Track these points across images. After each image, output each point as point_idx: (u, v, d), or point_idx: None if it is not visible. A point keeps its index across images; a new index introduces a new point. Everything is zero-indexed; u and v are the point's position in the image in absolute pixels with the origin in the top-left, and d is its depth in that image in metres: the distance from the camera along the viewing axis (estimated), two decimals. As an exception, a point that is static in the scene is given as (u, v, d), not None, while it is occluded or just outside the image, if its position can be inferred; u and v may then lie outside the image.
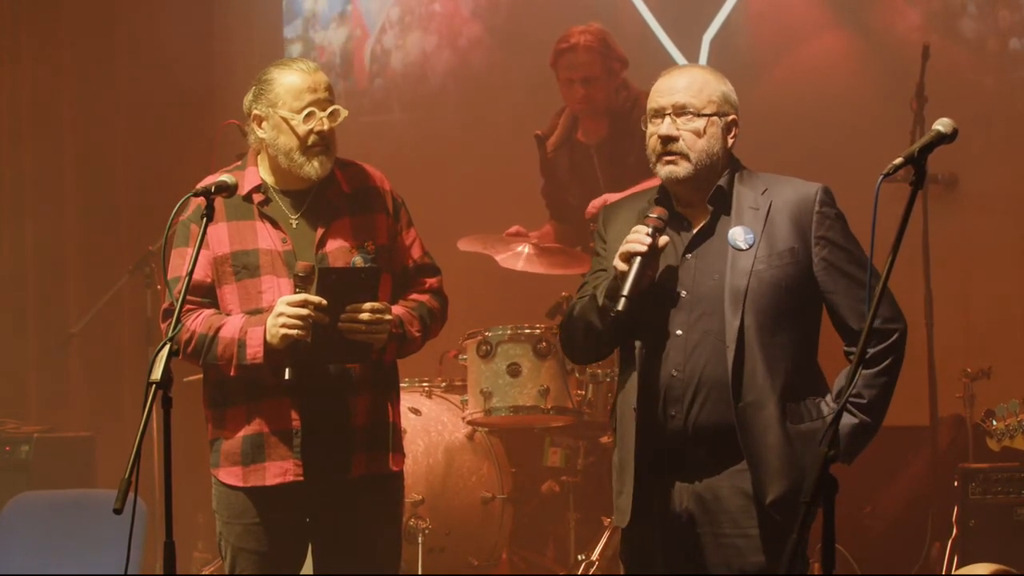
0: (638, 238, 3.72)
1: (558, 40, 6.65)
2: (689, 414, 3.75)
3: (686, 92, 3.82)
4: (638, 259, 3.72)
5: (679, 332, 3.78)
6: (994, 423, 5.36)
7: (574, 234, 6.77)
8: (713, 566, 3.78)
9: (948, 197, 6.96)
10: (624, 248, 3.74)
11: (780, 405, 3.70)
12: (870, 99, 7.17)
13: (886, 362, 3.71)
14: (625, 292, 3.70)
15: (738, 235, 3.77)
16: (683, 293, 3.79)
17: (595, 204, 6.34)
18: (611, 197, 6.09)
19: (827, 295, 3.76)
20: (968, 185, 7.01)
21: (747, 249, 3.75)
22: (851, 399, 3.69)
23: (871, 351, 3.69)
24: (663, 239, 3.76)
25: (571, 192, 6.80)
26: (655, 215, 3.78)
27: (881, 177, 3.14)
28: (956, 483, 5.75)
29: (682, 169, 3.80)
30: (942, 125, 3.24)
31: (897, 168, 3.16)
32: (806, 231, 3.76)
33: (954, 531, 5.73)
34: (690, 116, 3.80)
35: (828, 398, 3.77)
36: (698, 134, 3.79)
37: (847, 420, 3.69)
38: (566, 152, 6.78)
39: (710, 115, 3.80)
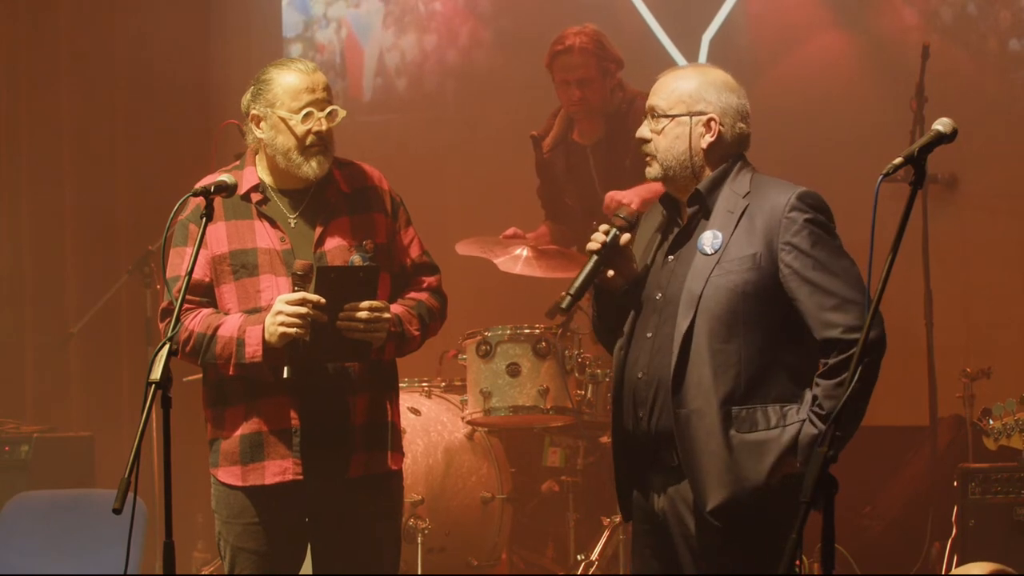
0: (595, 236, 3.81)
1: (553, 42, 6.63)
2: (651, 417, 3.77)
3: (657, 93, 3.86)
4: (593, 257, 3.79)
5: (649, 334, 3.81)
6: (991, 422, 5.35)
7: (570, 234, 6.76)
8: (687, 565, 3.78)
9: (948, 197, 6.94)
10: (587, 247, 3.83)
11: (724, 412, 3.67)
12: (870, 99, 7.17)
13: (846, 373, 3.55)
14: (571, 290, 3.79)
15: (706, 239, 3.76)
16: (658, 295, 3.82)
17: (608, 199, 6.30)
18: (633, 192, 6.11)
19: (793, 303, 3.69)
20: (968, 185, 7.00)
21: (711, 254, 3.74)
22: (813, 409, 3.65)
23: (832, 361, 3.63)
24: (624, 237, 3.81)
25: (567, 192, 6.79)
26: (623, 215, 3.84)
27: (881, 177, 3.13)
28: (956, 483, 5.72)
29: (653, 170, 3.86)
30: (942, 125, 3.23)
31: (897, 168, 3.15)
32: (773, 237, 3.70)
33: (954, 531, 5.70)
34: (657, 117, 3.83)
35: (801, 405, 3.70)
36: (659, 134, 3.82)
37: (808, 430, 3.64)
38: (562, 153, 6.77)
39: (676, 115, 3.80)
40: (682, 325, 3.70)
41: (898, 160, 3.16)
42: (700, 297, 3.70)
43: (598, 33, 6.58)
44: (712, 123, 3.80)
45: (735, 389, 3.68)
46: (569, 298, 3.77)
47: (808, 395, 3.70)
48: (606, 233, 3.81)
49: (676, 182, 3.85)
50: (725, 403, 3.67)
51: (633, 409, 3.81)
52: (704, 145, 3.81)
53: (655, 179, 3.87)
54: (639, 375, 3.79)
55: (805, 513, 3.02)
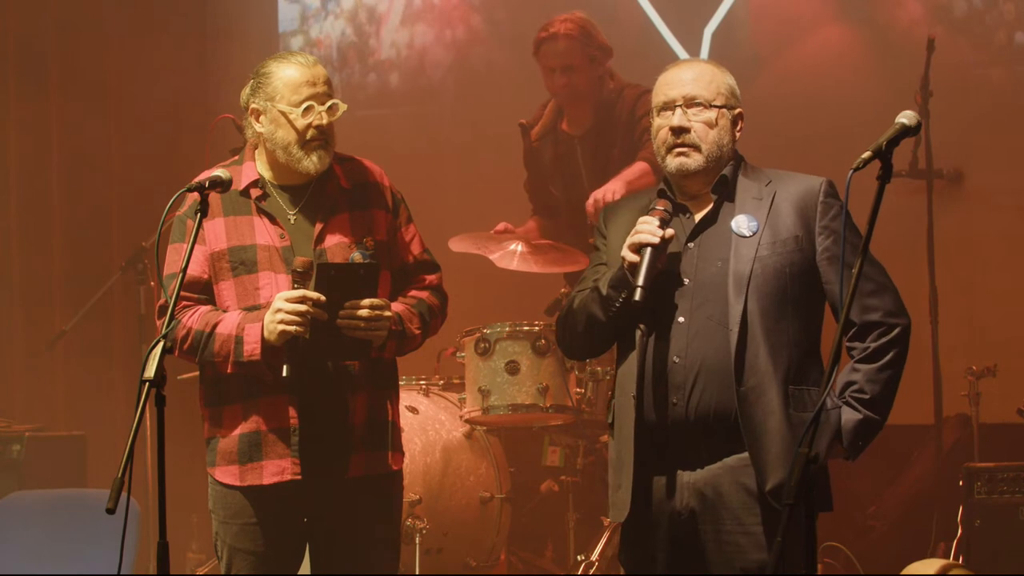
0: (650, 229, 3.74)
1: (539, 30, 6.66)
2: (690, 400, 3.73)
3: (696, 84, 3.84)
4: (649, 250, 3.73)
5: (681, 319, 3.78)
6: None
7: (560, 228, 6.73)
8: (715, 564, 3.75)
9: (953, 192, 6.91)
10: (635, 239, 3.75)
11: (782, 390, 3.68)
12: (874, 93, 7.12)
13: (889, 356, 3.69)
14: (641, 282, 3.72)
15: (742, 223, 3.79)
16: (686, 281, 3.80)
17: (591, 202, 6.27)
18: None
19: (828, 286, 3.75)
20: (973, 180, 6.97)
21: (751, 236, 3.76)
22: (854, 394, 3.68)
23: (873, 345, 3.69)
24: (669, 231, 3.77)
25: (554, 183, 6.79)
26: (661, 208, 3.81)
27: (851, 172, 3.18)
28: (961, 482, 5.70)
29: (693, 161, 3.83)
30: (906, 118, 3.30)
31: (866, 162, 3.20)
32: (810, 221, 3.77)
33: (959, 531, 5.67)
34: (701, 107, 3.83)
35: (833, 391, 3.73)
36: (710, 125, 3.82)
37: (851, 416, 3.67)
38: (550, 142, 6.77)
39: (720, 107, 3.83)
40: (736, 306, 3.70)
41: (866, 154, 3.21)
42: (750, 278, 3.72)
43: (584, 20, 6.59)
44: (740, 119, 3.88)
45: (789, 368, 3.71)
46: (640, 290, 3.70)
47: (836, 380, 3.70)
48: (657, 226, 3.75)
49: (708, 174, 3.85)
50: (784, 382, 3.69)
51: (665, 395, 3.76)
52: (736, 138, 3.88)
53: (696, 170, 3.82)
54: (674, 359, 3.75)
55: (789, 515, 3.06)
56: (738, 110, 3.86)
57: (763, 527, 3.68)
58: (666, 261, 3.79)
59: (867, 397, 3.67)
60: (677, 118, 3.82)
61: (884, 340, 3.69)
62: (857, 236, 3.68)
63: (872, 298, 3.70)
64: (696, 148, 3.81)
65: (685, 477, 3.76)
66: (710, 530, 3.73)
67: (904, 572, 4.94)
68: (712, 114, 3.81)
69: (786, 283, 3.73)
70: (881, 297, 3.71)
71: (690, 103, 3.82)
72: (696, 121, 3.81)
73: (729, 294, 3.72)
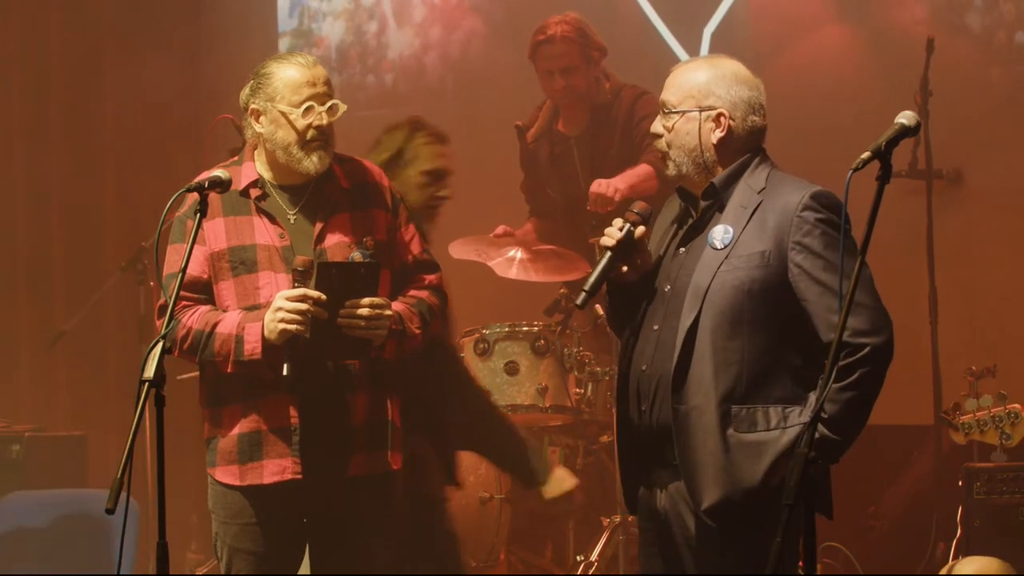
0: (609, 232, 3.77)
1: (535, 32, 6.65)
2: (653, 410, 3.73)
3: (668, 89, 3.83)
4: (608, 254, 3.75)
5: (655, 326, 3.77)
6: (961, 416, 5.34)
7: (558, 229, 6.71)
8: (688, 566, 3.74)
9: (953, 192, 6.88)
10: (600, 241, 3.80)
11: (723, 410, 3.62)
12: (873, 93, 7.11)
13: (852, 377, 3.54)
14: (586, 287, 3.75)
15: (717, 234, 3.72)
16: (667, 287, 3.78)
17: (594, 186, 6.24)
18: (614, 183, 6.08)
19: (802, 303, 3.64)
20: (973, 180, 6.93)
21: (721, 248, 3.70)
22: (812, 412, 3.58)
23: (838, 364, 3.52)
24: (639, 230, 3.77)
25: (551, 184, 6.78)
26: (636, 210, 3.81)
27: (850, 172, 3.15)
28: (960, 483, 5.68)
29: (668, 167, 3.83)
30: (905, 118, 3.27)
31: (865, 162, 3.17)
32: (784, 236, 3.65)
33: (959, 531, 5.66)
34: (668, 113, 3.80)
35: (804, 407, 3.63)
36: (670, 130, 3.79)
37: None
38: (546, 143, 6.76)
39: (685, 111, 3.76)
40: (686, 320, 3.66)
41: (865, 155, 3.18)
42: (706, 292, 3.66)
43: (580, 21, 6.59)
44: (722, 118, 3.74)
45: (735, 387, 3.63)
46: (584, 295, 3.74)
47: (811, 397, 3.64)
48: (620, 228, 3.77)
49: (690, 178, 3.81)
50: (724, 401, 3.62)
51: (637, 402, 3.76)
52: (714, 140, 3.76)
53: (672, 175, 3.82)
54: (643, 367, 3.75)
55: (788, 515, 3.05)
56: (716, 111, 3.74)
57: (728, 533, 3.64)
58: (640, 264, 3.79)
59: (824, 416, 3.50)
60: (654, 124, 3.84)
61: (849, 360, 3.53)
62: (835, 252, 3.59)
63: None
64: (667, 154, 3.80)
65: (660, 481, 3.76)
66: (678, 532, 3.73)
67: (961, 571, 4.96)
68: (673, 119, 3.77)
69: (743, 300, 3.63)
70: (853, 315, 3.49)
71: (663, 109, 3.81)
72: (665, 127, 3.79)
73: (684, 307, 3.67)
